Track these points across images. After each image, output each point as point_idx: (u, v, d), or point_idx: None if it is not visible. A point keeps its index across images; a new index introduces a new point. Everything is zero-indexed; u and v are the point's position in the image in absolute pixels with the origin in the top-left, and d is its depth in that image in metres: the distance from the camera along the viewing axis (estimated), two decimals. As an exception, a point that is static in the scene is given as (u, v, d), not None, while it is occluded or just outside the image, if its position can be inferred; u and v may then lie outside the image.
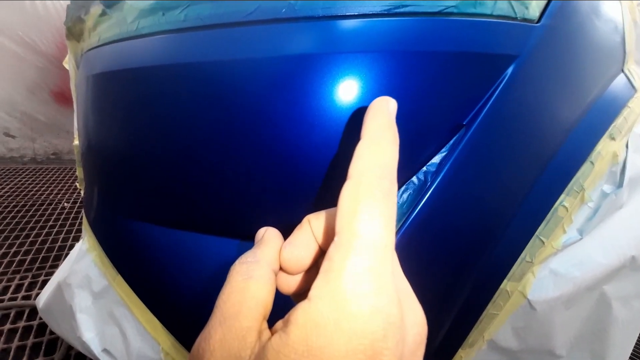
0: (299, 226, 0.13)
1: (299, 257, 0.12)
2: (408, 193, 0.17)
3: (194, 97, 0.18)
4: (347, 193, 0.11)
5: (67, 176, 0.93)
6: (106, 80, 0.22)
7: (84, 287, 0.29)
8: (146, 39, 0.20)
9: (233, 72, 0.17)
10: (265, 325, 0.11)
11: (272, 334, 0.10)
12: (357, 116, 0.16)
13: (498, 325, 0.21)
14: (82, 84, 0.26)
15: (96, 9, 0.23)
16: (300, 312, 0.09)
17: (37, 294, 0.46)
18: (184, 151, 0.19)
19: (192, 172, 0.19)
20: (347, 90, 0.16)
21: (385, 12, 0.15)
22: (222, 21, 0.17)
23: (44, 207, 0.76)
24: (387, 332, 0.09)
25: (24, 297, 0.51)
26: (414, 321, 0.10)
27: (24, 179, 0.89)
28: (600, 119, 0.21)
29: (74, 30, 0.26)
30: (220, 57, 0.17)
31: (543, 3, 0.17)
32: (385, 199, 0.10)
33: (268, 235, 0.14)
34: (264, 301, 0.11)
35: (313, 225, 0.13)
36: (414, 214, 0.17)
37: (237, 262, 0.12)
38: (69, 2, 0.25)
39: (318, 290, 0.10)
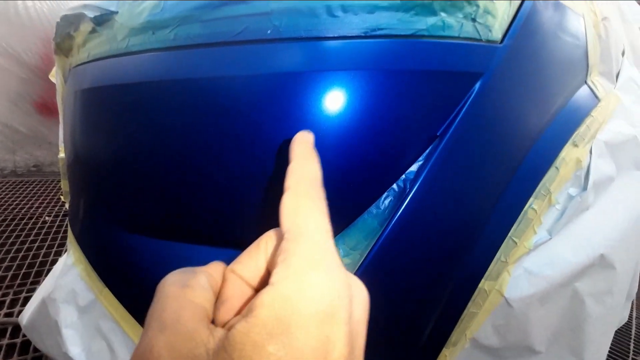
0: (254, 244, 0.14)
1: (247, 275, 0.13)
2: (389, 199, 0.18)
3: (182, 112, 0.19)
4: (288, 199, 0.12)
5: (49, 189, 0.90)
6: (95, 95, 0.23)
7: (70, 302, 0.28)
8: (136, 56, 0.21)
9: (220, 88, 0.18)
10: (212, 326, 0.11)
11: (227, 327, 0.10)
12: (338, 126, 0.17)
13: (479, 323, 0.22)
14: (70, 98, 0.26)
15: (86, 26, 0.24)
16: (265, 295, 0.10)
17: (20, 311, 0.45)
18: (171, 163, 0.20)
19: (180, 184, 0.20)
20: (328, 104, 0.17)
21: (363, 35, 0.17)
22: (211, 40, 0.18)
23: (24, 221, 0.74)
24: (340, 292, 0.10)
25: (6, 315, 0.49)
26: (356, 285, 0.12)
27: (3, 193, 0.86)
28: (563, 128, 0.23)
29: (62, 45, 0.27)
30: (208, 75, 0.18)
31: (505, 26, 0.19)
32: (318, 199, 0.13)
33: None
34: (205, 307, 0.11)
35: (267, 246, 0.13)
36: (395, 218, 0.18)
37: (169, 275, 0.12)
38: (58, 19, 0.26)
39: (279, 275, 0.10)
